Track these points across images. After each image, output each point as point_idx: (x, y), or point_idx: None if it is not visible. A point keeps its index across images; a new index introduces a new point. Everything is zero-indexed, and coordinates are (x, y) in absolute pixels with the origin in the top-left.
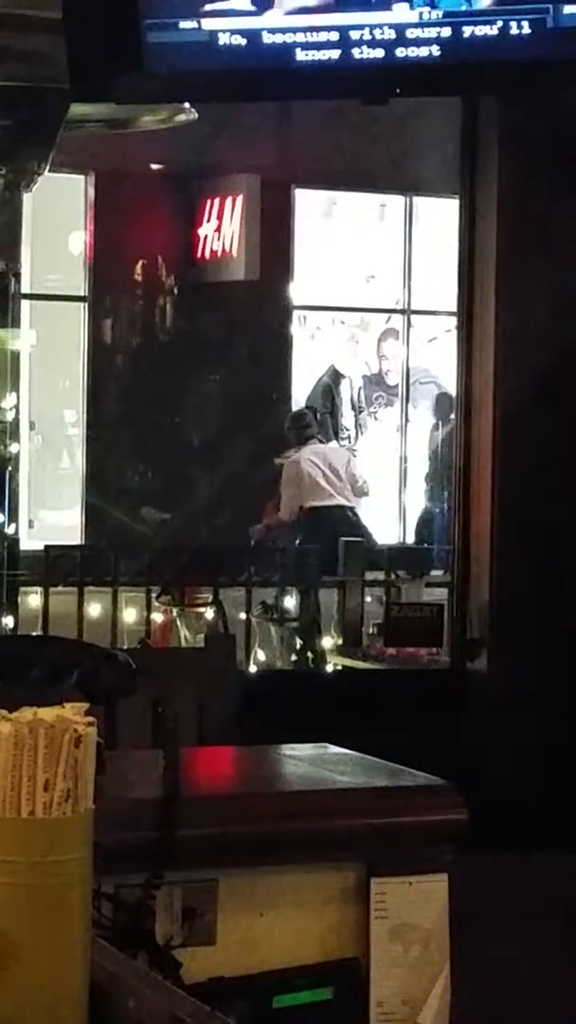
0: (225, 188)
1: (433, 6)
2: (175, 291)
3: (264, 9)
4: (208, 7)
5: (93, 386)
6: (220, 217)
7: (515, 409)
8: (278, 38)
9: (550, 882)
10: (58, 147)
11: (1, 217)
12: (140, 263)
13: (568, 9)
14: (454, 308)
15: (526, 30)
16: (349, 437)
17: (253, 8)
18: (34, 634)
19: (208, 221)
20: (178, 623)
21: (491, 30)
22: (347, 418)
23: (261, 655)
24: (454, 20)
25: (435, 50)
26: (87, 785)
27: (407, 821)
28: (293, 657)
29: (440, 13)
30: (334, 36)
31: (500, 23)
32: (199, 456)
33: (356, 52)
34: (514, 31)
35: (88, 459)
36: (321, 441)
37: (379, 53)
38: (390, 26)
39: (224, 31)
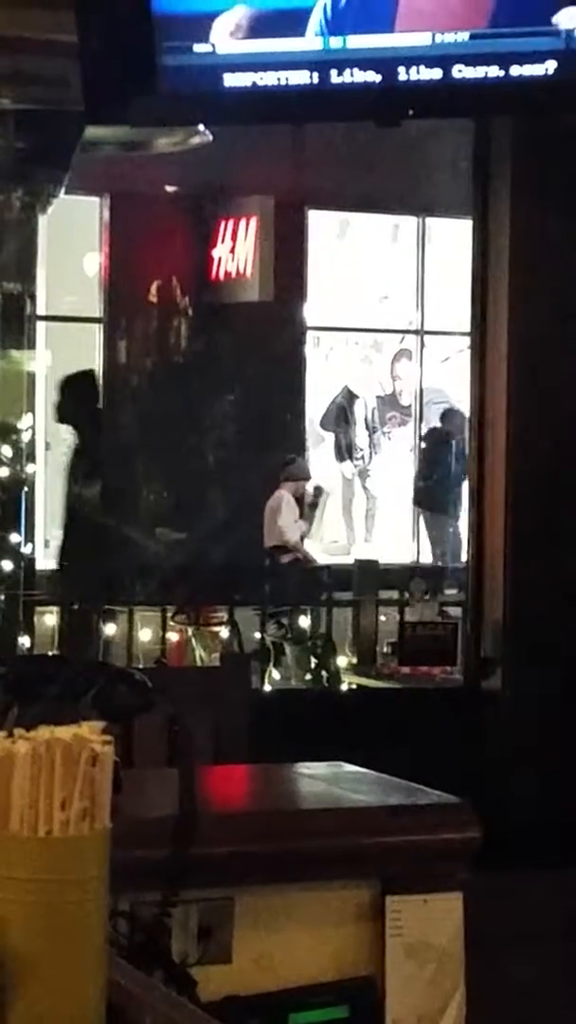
0: (239, 209)
1: (446, 29)
2: (189, 312)
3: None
4: (217, 24)
5: (108, 407)
6: (234, 238)
7: (528, 428)
8: (292, 60)
9: (567, 900)
10: (73, 169)
11: (17, 239)
12: (155, 284)
13: None
14: (467, 328)
15: (538, 50)
16: (363, 457)
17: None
18: (50, 653)
19: (222, 242)
20: (193, 642)
21: (503, 51)
22: (361, 438)
23: (276, 674)
24: (466, 41)
25: (447, 72)
26: (104, 804)
27: (422, 839)
28: (308, 676)
29: (452, 36)
30: (348, 58)
31: (512, 44)
32: (214, 476)
33: (370, 75)
34: (526, 51)
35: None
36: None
37: (391, 75)
38: (401, 48)
39: (238, 54)
